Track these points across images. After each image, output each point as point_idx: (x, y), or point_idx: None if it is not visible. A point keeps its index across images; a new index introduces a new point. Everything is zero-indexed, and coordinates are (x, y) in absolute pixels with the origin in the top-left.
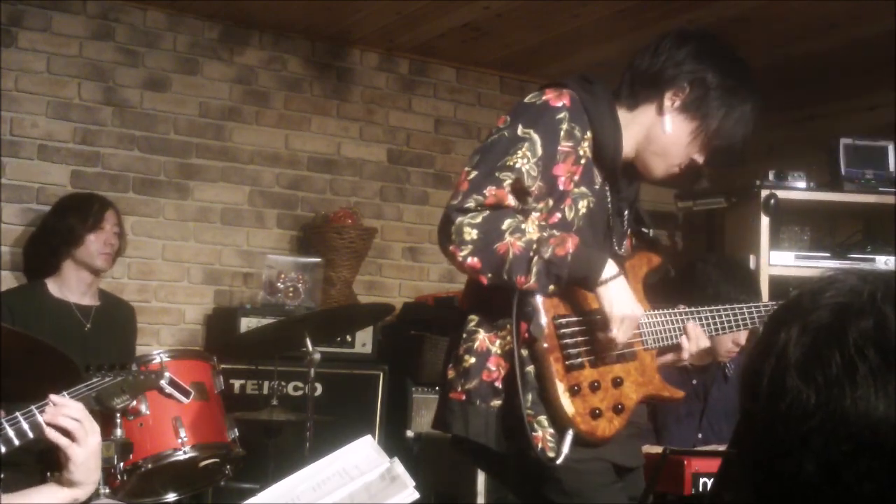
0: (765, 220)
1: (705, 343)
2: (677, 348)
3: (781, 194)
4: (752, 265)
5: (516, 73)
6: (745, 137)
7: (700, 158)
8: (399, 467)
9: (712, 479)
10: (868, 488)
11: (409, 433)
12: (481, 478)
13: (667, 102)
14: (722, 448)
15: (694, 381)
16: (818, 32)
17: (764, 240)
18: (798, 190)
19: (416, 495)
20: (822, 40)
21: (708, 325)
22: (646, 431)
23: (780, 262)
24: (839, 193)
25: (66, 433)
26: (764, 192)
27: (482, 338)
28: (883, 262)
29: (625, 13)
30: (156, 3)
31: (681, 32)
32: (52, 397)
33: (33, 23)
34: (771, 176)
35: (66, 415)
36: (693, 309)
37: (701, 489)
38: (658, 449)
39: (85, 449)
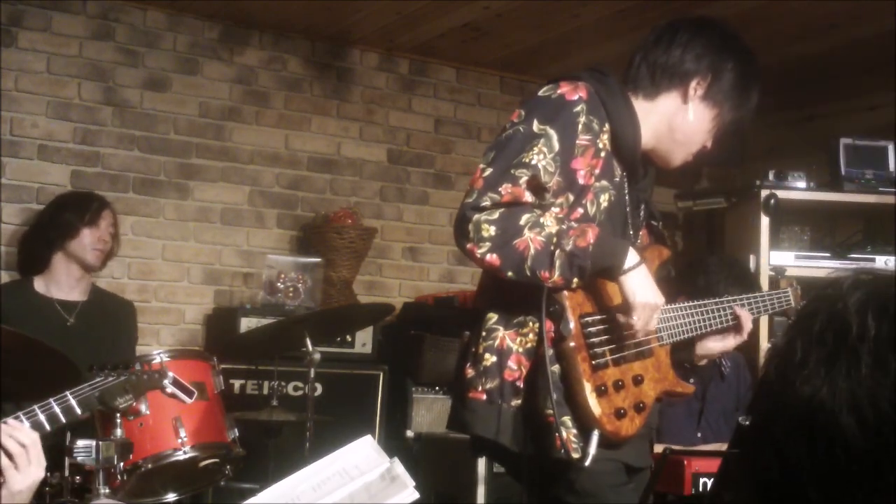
0: (765, 220)
1: (751, 325)
2: (737, 329)
3: (781, 194)
4: (752, 265)
5: (516, 73)
6: (750, 122)
7: (710, 144)
8: (399, 467)
9: (712, 479)
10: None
11: (409, 433)
12: (481, 478)
13: (691, 91)
14: (722, 447)
15: (691, 381)
16: (818, 32)
17: (764, 240)
18: (798, 190)
19: (416, 495)
20: (822, 40)
21: (715, 316)
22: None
23: (780, 262)
24: (839, 193)
25: (8, 455)
26: (764, 192)
27: (502, 335)
28: (883, 262)
29: (625, 13)
30: (156, 3)
31: (694, 22)
32: (9, 420)
33: (33, 23)
34: (771, 176)
35: (14, 437)
36: (702, 301)
37: (701, 489)
38: (658, 449)
39: (24, 478)
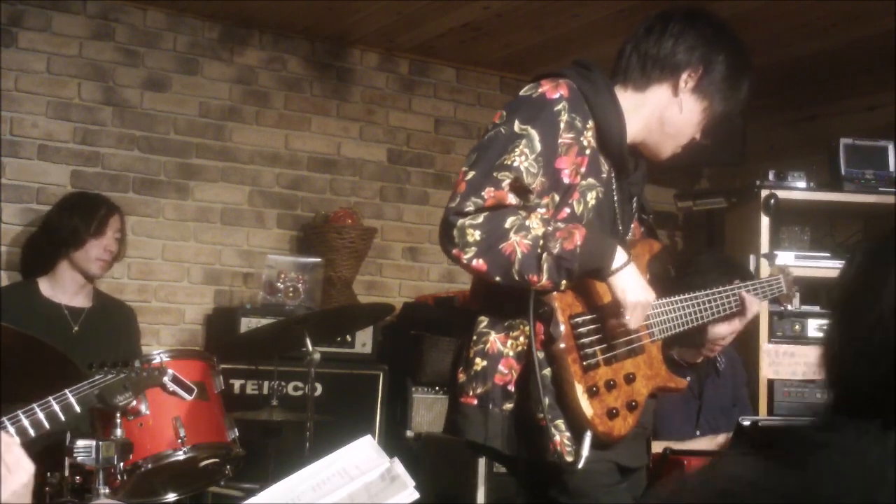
0: (765, 220)
1: (759, 308)
2: (740, 314)
3: (781, 194)
4: (752, 265)
5: (516, 73)
6: (740, 113)
7: (699, 136)
8: (399, 467)
9: None
10: None
11: (409, 433)
12: (481, 478)
13: (681, 83)
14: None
15: (688, 378)
16: (818, 32)
17: (764, 240)
18: (798, 190)
19: (416, 495)
20: (822, 40)
21: (707, 308)
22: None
23: (780, 262)
24: (839, 193)
25: None
26: (764, 192)
27: (493, 339)
28: None
29: (625, 13)
30: (156, 3)
31: (685, 14)
32: None
33: (33, 23)
34: (771, 176)
35: None
36: (692, 294)
37: None
38: (658, 448)
39: (6, 487)
